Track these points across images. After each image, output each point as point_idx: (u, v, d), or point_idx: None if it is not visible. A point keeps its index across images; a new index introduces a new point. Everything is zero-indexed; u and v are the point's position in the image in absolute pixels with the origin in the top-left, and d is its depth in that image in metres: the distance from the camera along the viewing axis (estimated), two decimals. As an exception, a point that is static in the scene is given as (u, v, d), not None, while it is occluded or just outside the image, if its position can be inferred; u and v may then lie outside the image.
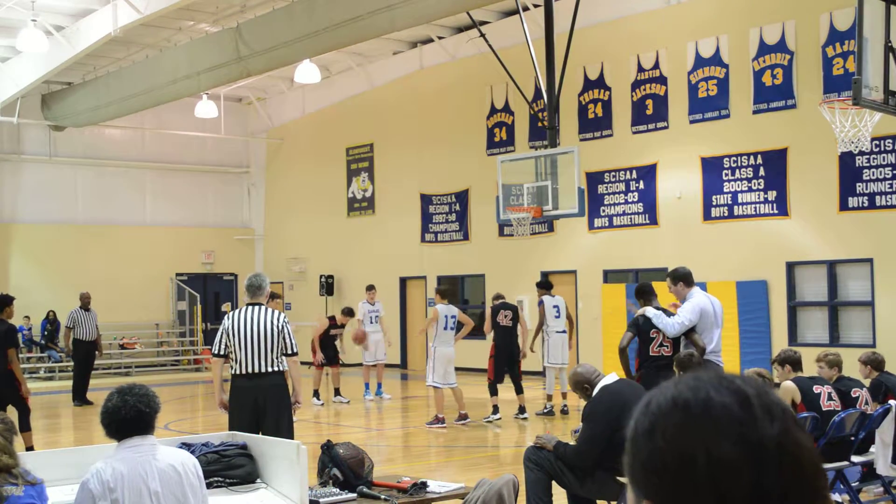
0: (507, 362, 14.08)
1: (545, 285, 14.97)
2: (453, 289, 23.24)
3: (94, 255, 25.24)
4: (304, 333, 19.81)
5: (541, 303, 14.74)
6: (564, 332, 14.54)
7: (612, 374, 6.65)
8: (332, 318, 17.00)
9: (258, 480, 5.77)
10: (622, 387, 6.48)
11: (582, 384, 6.65)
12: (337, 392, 16.87)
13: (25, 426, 10.91)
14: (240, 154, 28.86)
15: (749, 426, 1.13)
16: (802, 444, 1.16)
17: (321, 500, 5.74)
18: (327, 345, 16.71)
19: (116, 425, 4.13)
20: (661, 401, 1.19)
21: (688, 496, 1.13)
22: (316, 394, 16.62)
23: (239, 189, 28.87)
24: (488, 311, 14.33)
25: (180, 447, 5.38)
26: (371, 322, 17.15)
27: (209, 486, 5.34)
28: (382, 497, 5.87)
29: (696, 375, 1.21)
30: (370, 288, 17.67)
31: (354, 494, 5.95)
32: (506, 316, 14.11)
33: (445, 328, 13.75)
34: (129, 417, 4.10)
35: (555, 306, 14.63)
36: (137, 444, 4.11)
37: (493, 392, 13.96)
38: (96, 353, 17.90)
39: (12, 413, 10.27)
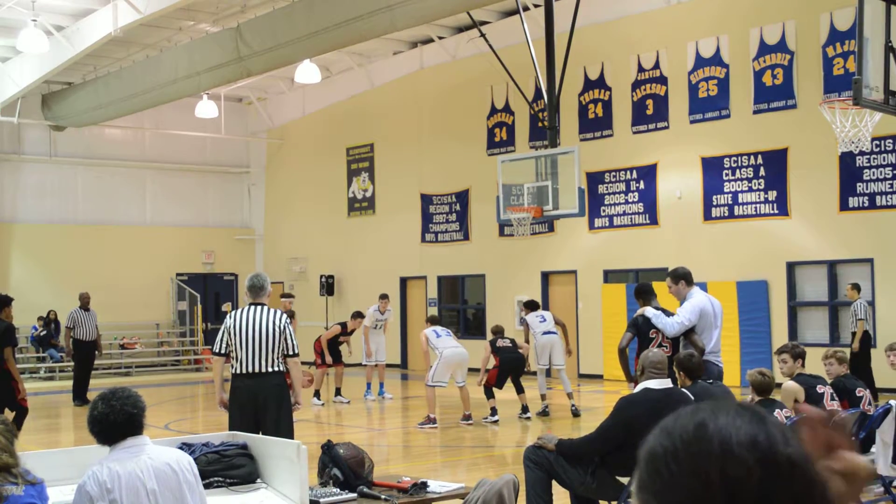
0: (511, 371, 14.12)
1: (529, 305, 15.11)
2: (453, 291, 23.28)
3: (94, 255, 25.23)
4: (305, 333, 19.73)
5: (523, 321, 14.99)
6: (553, 332, 14.54)
7: (666, 381, 6.50)
8: (343, 325, 16.96)
9: (258, 480, 5.77)
10: (663, 397, 6.25)
11: (641, 367, 6.61)
12: (338, 392, 16.89)
13: (17, 427, 10.89)
14: (240, 154, 28.86)
15: (766, 445, 1.20)
16: (814, 463, 1.23)
17: (321, 500, 5.74)
18: (332, 348, 16.77)
19: (107, 431, 4.12)
20: (683, 423, 1.24)
21: None
22: (317, 394, 16.63)
23: (239, 189, 28.88)
24: (487, 346, 14.27)
25: (180, 447, 5.38)
26: (376, 328, 17.31)
27: (209, 486, 5.34)
28: (383, 497, 5.87)
29: (716, 402, 1.28)
30: (384, 297, 17.70)
31: (355, 494, 5.94)
32: (503, 340, 14.18)
33: (438, 336, 13.86)
34: (120, 421, 4.10)
35: (537, 315, 14.72)
36: (131, 445, 4.11)
37: (490, 395, 13.99)
38: (96, 352, 17.92)
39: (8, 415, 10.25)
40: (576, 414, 14.32)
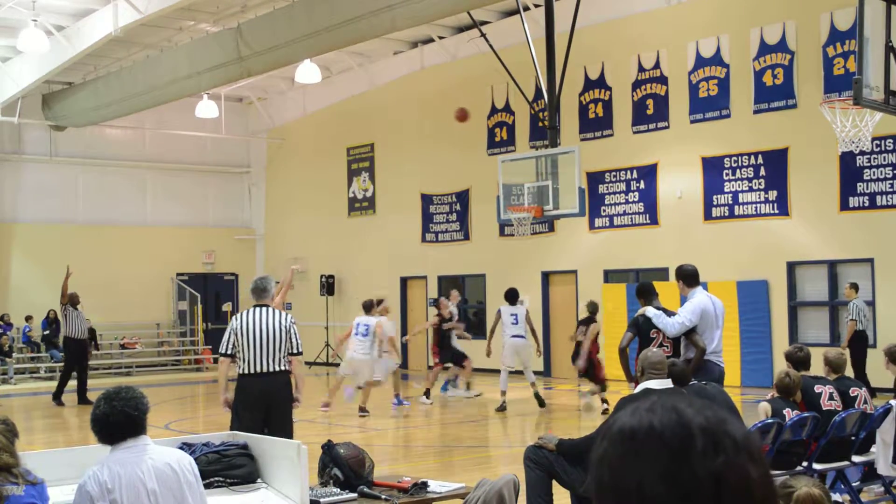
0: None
1: (507, 296, 15.27)
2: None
3: (95, 255, 25.19)
4: (306, 332, 19.44)
5: (498, 312, 15.21)
6: (521, 336, 14.68)
7: (666, 381, 6.54)
8: (438, 315, 16.32)
9: (259, 480, 5.77)
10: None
11: (641, 367, 6.64)
12: (427, 393, 16.10)
13: None
14: (240, 154, 28.85)
15: (682, 460, 1.14)
16: (750, 477, 1.15)
17: (322, 500, 5.74)
18: (445, 344, 16.11)
19: (107, 431, 4.13)
20: (615, 428, 1.22)
21: None
22: (427, 393, 16.05)
23: (239, 189, 28.86)
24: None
25: (181, 447, 5.38)
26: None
27: (210, 486, 5.34)
28: (383, 497, 5.87)
29: (653, 404, 1.22)
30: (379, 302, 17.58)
31: (355, 494, 5.94)
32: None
33: (356, 335, 14.37)
34: (118, 423, 4.11)
35: (512, 314, 14.91)
36: (132, 446, 4.12)
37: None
38: (90, 351, 17.99)
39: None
40: (542, 404, 14.66)
